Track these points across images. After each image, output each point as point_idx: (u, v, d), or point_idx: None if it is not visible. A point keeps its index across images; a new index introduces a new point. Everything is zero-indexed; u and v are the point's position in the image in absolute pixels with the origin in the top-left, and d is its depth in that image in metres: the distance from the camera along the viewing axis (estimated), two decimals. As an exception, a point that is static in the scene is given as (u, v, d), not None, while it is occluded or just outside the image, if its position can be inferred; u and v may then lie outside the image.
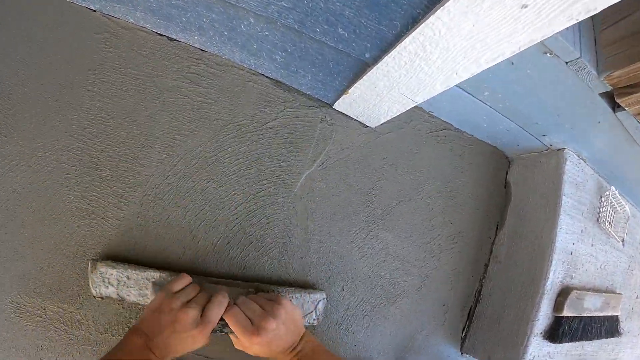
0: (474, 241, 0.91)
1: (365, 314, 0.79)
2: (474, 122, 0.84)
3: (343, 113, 0.76)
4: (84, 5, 0.66)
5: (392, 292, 0.82)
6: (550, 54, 0.62)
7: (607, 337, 0.93)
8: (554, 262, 0.79)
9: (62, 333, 0.66)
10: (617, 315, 0.95)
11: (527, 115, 0.77)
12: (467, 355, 0.89)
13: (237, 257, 0.73)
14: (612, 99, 0.70)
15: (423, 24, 0.45)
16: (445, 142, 0.87)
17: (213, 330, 0.57)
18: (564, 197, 0.81)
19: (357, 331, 0.78)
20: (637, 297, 1.08)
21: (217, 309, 0.57)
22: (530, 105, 0.74)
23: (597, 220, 0.89)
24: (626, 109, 0.70)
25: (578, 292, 0.81)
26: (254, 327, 0.56)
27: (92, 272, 0.65)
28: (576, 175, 0.85)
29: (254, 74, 0.72)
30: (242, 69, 0.72)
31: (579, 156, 0.86)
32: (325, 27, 0.53)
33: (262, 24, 0.57)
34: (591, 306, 0.85)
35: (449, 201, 0.88)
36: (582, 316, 0.84)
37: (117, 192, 0.67)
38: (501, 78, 0.67)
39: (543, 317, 0.78)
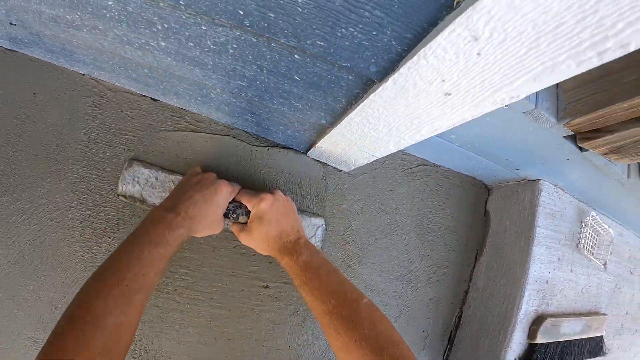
0: (452, 270, 0.95)
1: (345, 344, 0.86)
2: (448, 158, 0.89)
3: (317, 160, 0.82)
4: (74, 69, 0.74)
5: (370, 323, 0.88)
6: (505, 106, 0.66)
7: (591, 358, 0.97)
8: (527, 292, 0.83)
9: None
10: (601, 336, 0.99)
11: (496, 154, 0.81)
12: (448, 379, 0.95)
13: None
14: (576, 140, 0.73)
15: (362, 104, 0.50)
16: (421, 177, 0.92)
17: (226, 215, 0.66)
18: (538, 228, 0.85)
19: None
20: (626, 313, 1.11)
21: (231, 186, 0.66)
22: (497, 146, 0.78)
23: (577, 245, 0.93)
24: (590, 150, 0.73)
25: (553, 319, 0.85)
26: (259, 195, 0.65)
27: (126, 170, 0.74)
28: (552, 205, 0.88)
29: (231, 129, 0.79)
30: (219, 125, 0.79)
31: (555, 186, 0.89)
32: (281, 100, 0.59)
33: (227, 95, 0.64)
34: (569, 331, 0.89)
35: (427, 234, 0.93)
36: (559, 341, 0.88)
37: (117, 242, 0.75)
38: (463, 125, 0.71)
39: (516, 344, 0.83)
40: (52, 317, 0.74)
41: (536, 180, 0.88)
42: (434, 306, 0.93)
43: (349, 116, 0.55)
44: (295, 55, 0.46)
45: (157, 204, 0.72)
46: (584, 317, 0.92)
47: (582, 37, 0.28)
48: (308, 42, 0.42)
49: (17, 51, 0.74)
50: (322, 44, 0.42)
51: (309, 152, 0.79)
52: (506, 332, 0.83)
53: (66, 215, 0.75)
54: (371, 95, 0.47)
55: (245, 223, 0.68)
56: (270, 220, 0.64)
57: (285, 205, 0.67)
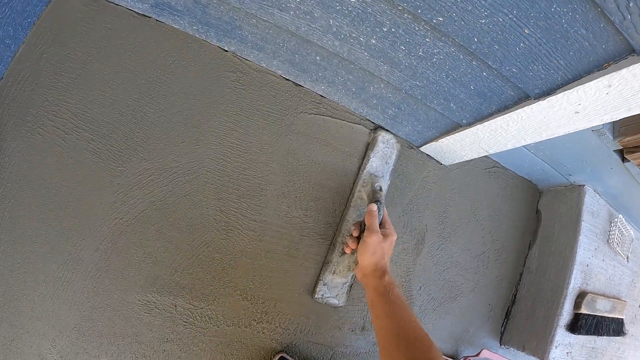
0: (512, 255, 1.25)
1: (434, 308, 1.12)
2: (517, 162, 1.20)
3: (426, 153, 1.11)
4: (217, 45, 0.88)
5: (453, 292, 1.15)
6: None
7: (614, 336, 1.26)
8: (574, 271, 1.13)
9: (191, 327, 0.85)
10: (622, 318, 1.29)
11: (560, 160, 1.13)
12: (505, 346, 1.24)
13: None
14: (622, 154, 1.07)
15: (511, 112, 0.75)
16: (494, 177, 1.22)
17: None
18: (583, 222, 1.17)
19: (427, 322, 1.11)
20: (639, 307, 1.45)
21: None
22: (563, 154, 1.09)
23: (607, 241, 1.25)
24: (631, 161, 1.07)
25: (592, 295, 1.16)
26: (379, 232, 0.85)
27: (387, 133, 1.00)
28: (592, 205, 1.21)
29: (363, 119, 1.03)
30: (353, 114, 1.02)
31: (595, 191, 1.22)
32: (442, 101, 0.82)
33: (389, 89, 0.86)
34: (602, 308, 1.20)
35: (495, 223, 1.22)
36: (595, 315, 1.18)
37: (252, 207, 0.91)
38: None
39: (566, 313, 1.12)
40: (171, 280, 0.84)
41: (582, 185, 1.21)
42: (498, 283, 1.22)
43: (491, 120, 0.80)
44: (484, 73, 0.70)
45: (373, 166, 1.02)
46: (611, 299, 1.25)
47: None
48: (507, 68, 0.66)
49: (160, 21, 0.84)
50: (515, 70, 0.66)
51: (422, 147, 1.07)
52: (559, 302, 1.13)
53: (202, 179, 0.87)
54: (522, 108, 0.71)
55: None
56: (373, 252, 0.84)
57: (389, 248, 0.87)
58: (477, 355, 1.12)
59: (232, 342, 0.90)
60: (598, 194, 1.23)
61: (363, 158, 1.05)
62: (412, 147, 1.10)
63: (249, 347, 0.91)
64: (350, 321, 1.02)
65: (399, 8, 0.61)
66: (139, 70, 0.84)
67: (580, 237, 1.16)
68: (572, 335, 1.14)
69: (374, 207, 0.88)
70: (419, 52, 0.69)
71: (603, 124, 0.97)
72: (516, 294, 1.26)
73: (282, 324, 0.95)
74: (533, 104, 0.69)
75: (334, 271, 0.98)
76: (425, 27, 0.62)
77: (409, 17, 0.62)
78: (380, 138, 1.04)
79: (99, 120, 0.82)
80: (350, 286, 1.00)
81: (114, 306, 0.81)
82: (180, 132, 0.87)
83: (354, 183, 1.03)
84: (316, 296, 0.96)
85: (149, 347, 0.82)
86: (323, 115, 1.00)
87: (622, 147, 1.04)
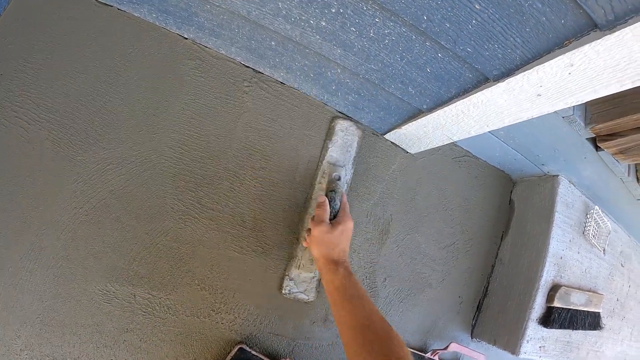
0: (483, 246, 1.20)
1: (401, 300, 1.07)
2: (489, 151, 1.15)
3: (391, 141, 1.05)
4: (177, 32, 0.86)
5: (421, 284, 1.11)
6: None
7: (590, 330, 1.23)
8: (547, 264, 1.08)
9: (150, 317, 0.83)
10: (598, 312, 1.25)
11: (531, 149, 1.08)
12: (476, 340, 1.19)
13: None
14: (595, 142, 1.01)
15: (471, 95, 0.71)
16: (464, 166, 1.17)
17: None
18: (556, 213, 1.12)
19: (394, 315, 1.07)
20: (617, 300, 1.39)
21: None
22: (535, 143, 1.04)
23: (583, 233, 1.20)
24: (605, 150, 1.01)
25: (566, 288, 1.11)
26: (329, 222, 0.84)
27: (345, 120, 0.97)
28: (567, 196, 1.16)
29: (324, 106, 0.99)
30: (314, 101, 0.98)
31: (570, 181, 1.17)
32: (399, 85, 0.79)
33: (347, 74, 0.82)
34: (577, 301, 1.15)
35: (466, 213, 1.18)
36: (569, 308, 1.13)
37: (210, 196, 0.88)
38: (514, 124, 0.97)
39: (538, 306, 1.07)
40: (130, 270, 0.82)
41: (556, 176, 1.16)
42: (468, 276, 1.17)
43: (452, 105, 0.76)
44: (439, 54, 0.66)
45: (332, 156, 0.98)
46: (587, 293, 1.19)
47: (626, 72, 0.52)
48: (461, 47, 0.62)
49: (121, 9, 0.83)
50: (470, 50, 0.62)
51: (386, 134, 1.02)
52: (530, 295, 1.08)
53: (159, 168, 0.85)
54: (482, 91, 0.68)
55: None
56: (320, 243, 0.81)
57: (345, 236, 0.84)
58: (446, 349, 1.08)
59: (192, 333, 0.87)
60: (573, 184, 1.18)
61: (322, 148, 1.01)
62: (376, 135, 1.04)
63: (208, 337, 0.89)
64: (312, 313, 0.98)
65: (344, -14, 0.58)
66: (99, 60, 0.83)
67: (553, 228, 1.11)
68: (545, 329, 1.10)
69: (323, 198, 0.87)
70: (370, 33, 0.66)
71: (573, 111, 0.93)
72: (488, 286, 1.21)
73: (242, 314, 0.92)
74: (492, 87, 0.66)
75: (299, 265, 0.95)
76: (374, 6, 0.59)
77: (361, -3, 0.59)
78: (338, 127, 1.00)
79: (61, 110, 0.81)
80: (319, 280, 0.97)
81: (75, 296, 0.80)
82: (139, 120, 0.85)
83: (314, 174, 1.00)
84: (284, 292, 0.94)
85: (109, 337, 0.81)
86: (283, 102, 0.96)
87: (594, 135, 0.99)
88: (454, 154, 1.15)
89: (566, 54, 0.52)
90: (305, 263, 0.95)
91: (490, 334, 1.15)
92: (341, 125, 1.00)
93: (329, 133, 1.01)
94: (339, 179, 0.98)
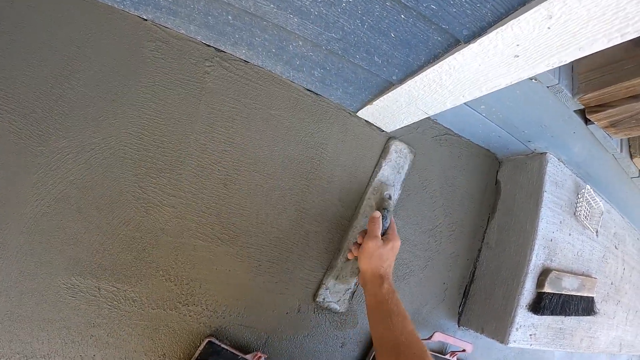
0: (469, 229, 1.13)
1: (380, 288, 1.00)
2: (471, 129, 1.07)
3: (364, 119, 0.97)
4: (136, 14, 0.82)
5: (402, 271, 1.04)
6: (535, 80, 0.84)
7: (584, 315, 1.15)
8: (536, 247, 1.01)
9: (115, 310, 0.80)
10: (592, 297, 1.18)
11: (516, 125, 0.99)
12: (463, 328, 1.11)
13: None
14: (584, 115, 0.93)
15: (442, 61, 0.64)
16: (445, 145, 1.09)
17: None
18: (545, 193, 1.04)
19: (372, 303, 1.00)
20: (611, 284, 1.32)
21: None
22: (519, 118, 0.96)
23: (574, 214, 1.12)
24: (595, 123, 0.93)
25: (557, 272, 1.03)
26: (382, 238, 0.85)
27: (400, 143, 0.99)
28: (556, 175, 1.08)
29: (291, 84, 0.92)
30: (280, 79, 0.92)
31: (559, 159, 1.09)
32: (364, 55, 0.72)
33: (309, 47, 0.77)
34: (569, 286, 1.08)
35: (449, 195, 1.10)
36: (561, 294, 1.06)
37: (172, 182, 0.84)
38: (495, 95, 0.87)
39: (527, 292, 1.00)
40: (93, 262, 0.79)
41: (544, 153, 1.08)
42: (453, 261, 1.10)
43: (422, 73, 0.70)
44: (402, 15, 0.59)
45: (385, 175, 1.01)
46: (579, 277, 1.11)
47: (614, 23, 0.45)
48: (424, 5, 0.55)
49: None
50: (434, 7, 0.55)
51: (359, 112, 0.94)
52: (519, 280, 1.00)
53: (119, 155, 0.82)
54: (453, 55, 0.61)
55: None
56: (380, 256, 0.83)
57: (392, 253, 0.86)
58: (430, 338, 1.00)
59: (159, 326, 0.84)
60: (562, 162, 1.10)
61: (375, 166, 1.02)
62: (349, 113, 0.96)
63: (176, 331, 0.85)
64: (285, 303, 0.93)
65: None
66: (58, 46, 0.80)
67: (542, 209, 1.04)
68: (536, 316, 1.03)
69: (377, 214, 0.88)
70: None
71: (559, 79, 0.85)
72: (474, 271, 1.14)
73: (210, 306, 0.87)
74: (464, 49, 0.59)
75: (337, 276, 0.96)
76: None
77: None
78: (393, 147, 1.02)
79: (20, 100, 0.78)
80: (353, 293, 0.98)
81: (41, 290, 0.77)
82: (99, 107, 0.81)
83: (364, 191, 1.00)
84: (318, 299, 0.94)
85: (76, 332, 0.78)
86: (247, 81, 0.90)
87: (583, 107, 0.91)
88: (433, 132, 1.07)
89: (543, 3, 0.45)
90: (345, 275, 0.95)
91: (478, 322, 1.07)
92: (396, 146, 1.03)
93: (384, 152, 1.03)
94: (390, 197, 1.00)
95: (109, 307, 0.79)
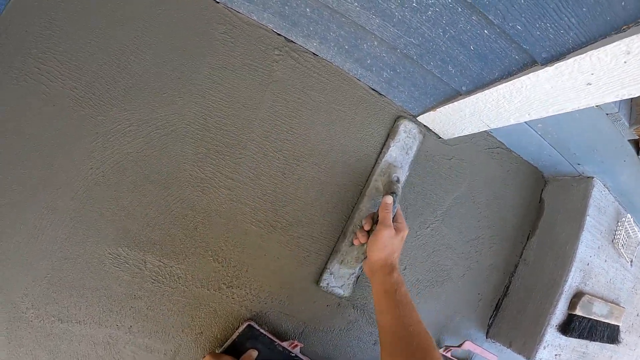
0: (508, 244, 1.26)
1: (419, 292, 1.13)
2: (523, 145, 1.19)
3: (423, 124, 1.10)
4: None
5: (441, 276, 1.16)
6: (596, 106, 0.97)
7: (608, 343, 1.27)
8: (573, 269, 1.13)
9: (159, 285, 0.88)
10: (618, 326, 1.30)
11: (569, 146, 1.12)
12: (490, 340, 1.24)
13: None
14: (637, 145, 1.06)
15: (515, 79, 0.73)
16: (496, 158, 1.21)
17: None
18: (588, 217, 1.16)
19: (410, 305, 1.13)
20: (637, 315, 1.44)
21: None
22: (573, 140, 1.09)
23: (612, 241, 1.25)
24: (646, 154, 1.06)
25: (589, 296, 1.16)
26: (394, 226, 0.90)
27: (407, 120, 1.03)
28: (600, 200, 1.20)
29: (357, 82, 1.03)
30: (347, 75, 1.03)
31: (604, 185, 1.22)
32: (439, 63, 0.81)
33: (383, 48, 0.85)
34: (598, 311, 1.20)
35: (494, 208, 1.22)
36: (590, 318, 1.18)
37: (231, 165, 0.93)
38: (555, 116, 0.98)
39: (559, 312, 1.12)
40: (142, 235, 0.87)
41: (590, 177, 1.20)
42: (489, 273, 1.23)
43: (493, 88, 0.79)
44: (485, 31, 0.69)
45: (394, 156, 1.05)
46: (609, 304, 1.25)
47: None
48: (510, 24, 0.64)
49: None
50: (519, 28, 0.64)
51: (419, 117, 1.07)
52: (553, 300, 1.13)
53: (181, 132, 0.89)
54: (527, 75, 0.68)
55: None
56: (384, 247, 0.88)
57: (401, 243, 0.92)
58: (460, 346, 1.13)
59: (200, 305, 0.93)
60: (607, 188, 1.22)
61: (382, 146, 1.09)
62: (409, 116, 1.09)
63: (217, 311, 0.94)
64: (326, 296, 1.03)
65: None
66: (126, 19, 0.86)
67: (583, 232, 1.16)
68: (563, 337, 1.15)
69: (390, 199, 0.92)
70: (412, 2, 0.67)
71: (619, 108, 0.96)
72: (509, 285, 1.27)
73: (254, 290, 0.97)
74: (540, 71, 0.66)
75: (342, 261, 1.01)
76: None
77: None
78: (402, 127, 1.06)
79: (83, 68, 0.85)
80: (357, 277, 1.04)
81: (85, 258, 0.85)
82: (164, 83, 0.89)
83: (370, 171, 1.06)
84: (321, 284, 1.00)
85: (116, 302, 0.86)
86: (315, 74, 1.01)
87: (638, 137, 1.03)
88: (487, 144, 1.20)
89: (624, 39, 0.52)
90: (350, 260, 1.01)
91: (507, 336, 1.20)
92: (405, 126, 1.07)
93: (392, 132, 1.07)
94: (398, 180, 1.03)
95: (152, 280, 0.88)
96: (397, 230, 0.89)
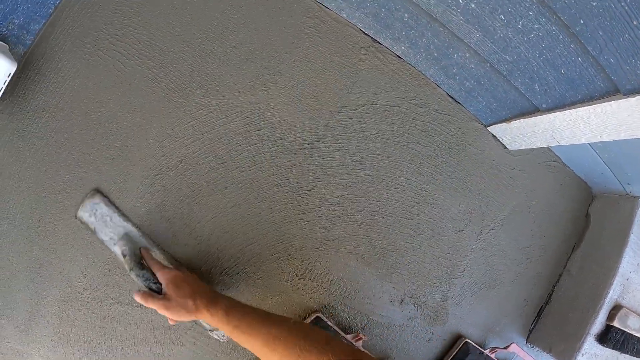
0: (555, 254, 1.39)
1: (473, 293, 1.26)
2: (578, 161, 1.32)
3: (492, 134, 1.23)
4: None
5: (494, 280, 1.29)
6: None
7: (637, 357, 1.42)
8: (615, 282, 1.27)
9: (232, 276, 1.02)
10: None
11: (622, 166, 1.25)
12: (530, 345, 1.38)
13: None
14: (687, 170, 1.20)
15: (596, 104, 0.79)
16: (552, 171, 1.34)
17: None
18: (631, 234, 1.30)
19: (464, 306, 1.25)
20: (663, 334, 1.60)
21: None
22: (628, 161, 1.21)
23: (651, 259, 1.41)
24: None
25: (627, 310, 1.31)
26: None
27: (88, 198, 0.87)
28: (644, 220, 1.36)
29: (436, 87, 1.14)
30: (427, 81, 1.13)
31: (650, 206, 1.37)
32: (527, 80, 0.91)
33: (474, 59, 0.94)
34: (632, 325, 1.33)
35: (547, 218, 1.36)
36: (624, 331, 1.31)
37: (312, 159, 1.04)
38: None
39: (599, 322, 1.25)
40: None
41: (637, 197, 1.35)
42: (537, 280, 1.36)
43: (574, 109, 0.87)
44: (579, 58, 0.77)
45: (104, 242, 0.90)
46: (643, 319, 1.40)
47: None
48: (605, 57, 0.71)
49: None
50: (612, 61, 0.69)
51: (490, 127, 1.20)
52: (594, 310, 1.27)
53: (269, 122, 0.96)
54: (609, 102, 0.76)
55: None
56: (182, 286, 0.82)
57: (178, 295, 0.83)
58: (506, 348, 1.27)
59: (270, 295, 1.04)
60: (652, 209, 1.37)
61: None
62: (480, 125, 1.22)
63: (285, 301, 1.05)
64: (391, 293, 1.15)
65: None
66: (211, 3, 0.90)
67: (625, 248, 1.30)
68: (599, 346, 1.28)
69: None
70: (518, 24, 0.74)
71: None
72: (552, 294, 1.41)
73: (324, 283, 1.08)
74: (621, 100, 0.74)
75: None
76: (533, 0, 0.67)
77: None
78: None
79: (164, 49, 0.89)
80: None
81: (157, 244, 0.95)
82: (249, 71, 0.95)
83: None
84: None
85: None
86: (397, 77, 1.11)
87: (688, 163, 1.17)
88: (545, 158, 1.33)
89: None
90: None
91: (547, 342, 1.34)
92: None
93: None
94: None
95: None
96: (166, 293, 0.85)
